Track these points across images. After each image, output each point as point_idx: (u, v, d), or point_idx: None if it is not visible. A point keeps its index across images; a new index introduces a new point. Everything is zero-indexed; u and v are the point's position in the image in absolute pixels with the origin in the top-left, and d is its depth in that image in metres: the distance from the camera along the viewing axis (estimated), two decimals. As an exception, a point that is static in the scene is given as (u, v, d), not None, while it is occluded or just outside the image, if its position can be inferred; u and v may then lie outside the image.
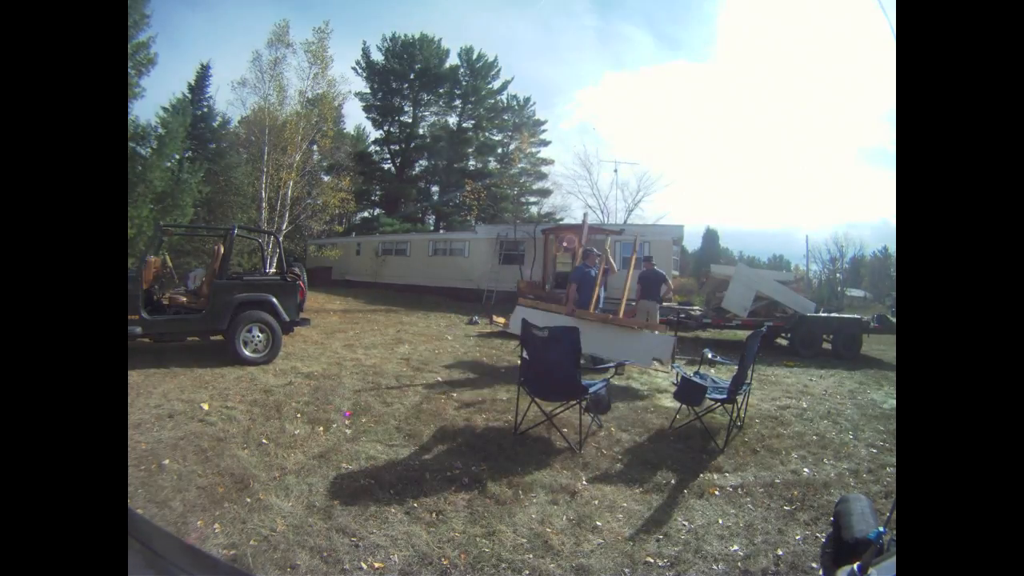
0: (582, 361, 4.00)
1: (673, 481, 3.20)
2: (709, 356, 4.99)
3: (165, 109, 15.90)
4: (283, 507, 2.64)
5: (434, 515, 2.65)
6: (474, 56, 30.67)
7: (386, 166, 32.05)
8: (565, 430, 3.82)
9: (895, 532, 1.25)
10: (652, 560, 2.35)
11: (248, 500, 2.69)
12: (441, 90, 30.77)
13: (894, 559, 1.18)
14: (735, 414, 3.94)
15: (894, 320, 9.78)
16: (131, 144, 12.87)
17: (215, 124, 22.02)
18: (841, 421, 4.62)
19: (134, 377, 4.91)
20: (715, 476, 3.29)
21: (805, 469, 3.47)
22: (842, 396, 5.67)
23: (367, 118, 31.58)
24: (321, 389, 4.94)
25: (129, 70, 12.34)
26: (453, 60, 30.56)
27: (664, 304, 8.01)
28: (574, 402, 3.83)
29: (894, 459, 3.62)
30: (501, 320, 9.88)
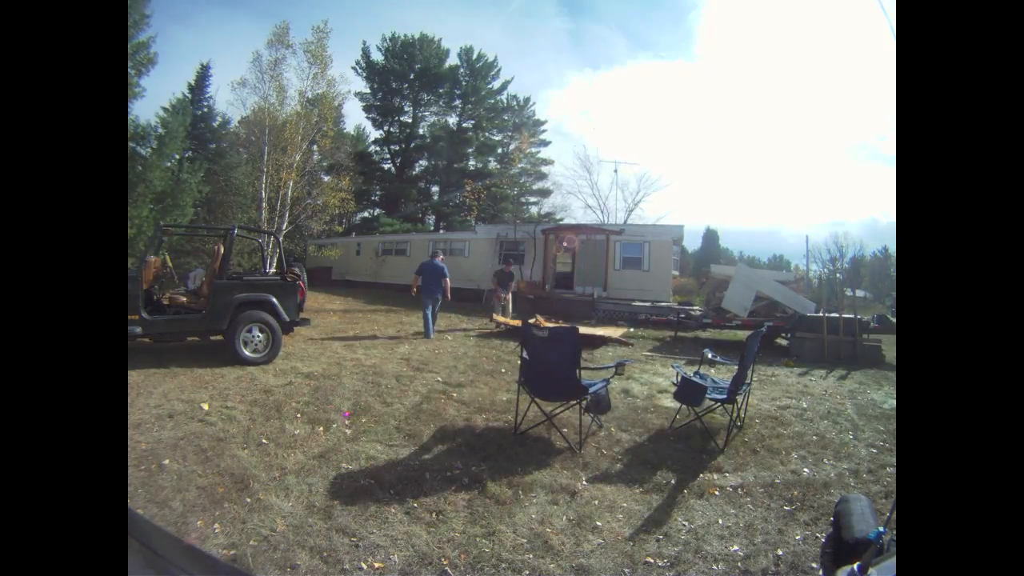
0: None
1: (673, 481, 3.20)
2: (709, 356, 4.99)
3: (165, 109, 15.92)
4: (283, 507, 2.64)
5: (434, 515, 2.65)
6: (474, 56, 30.70)
7: (386, 166, 32.09)
8: (565, 430, 3.82)
9: (895, 532, 1.25)
10: (652, 560, 2.35)
11: (248, 500, 2.69)
12: (441, 90, 30.80)
13: (894, 559, 1.18)
14: (735, 414, 3.94)
15: (894, 320, 9.78)
16: (131, 144, 12.86)
17: (215, 124, 22.05)
18: (841, 421, 4.62)
19: (134, 377, 4.91)
20: (715, 476, 3.29)
21: (805, 469, 3.47)
22: (842, 396, 5.67)
23: (367, 118, 31.67)
24: (321, 389, 4.94)
25: (129, 70, 12.34)
26: (453, 60, 30.63)
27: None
28: (574, 402, 3.83)
29: (894, 459, 3.62)
30: (502, 319, 9.88)
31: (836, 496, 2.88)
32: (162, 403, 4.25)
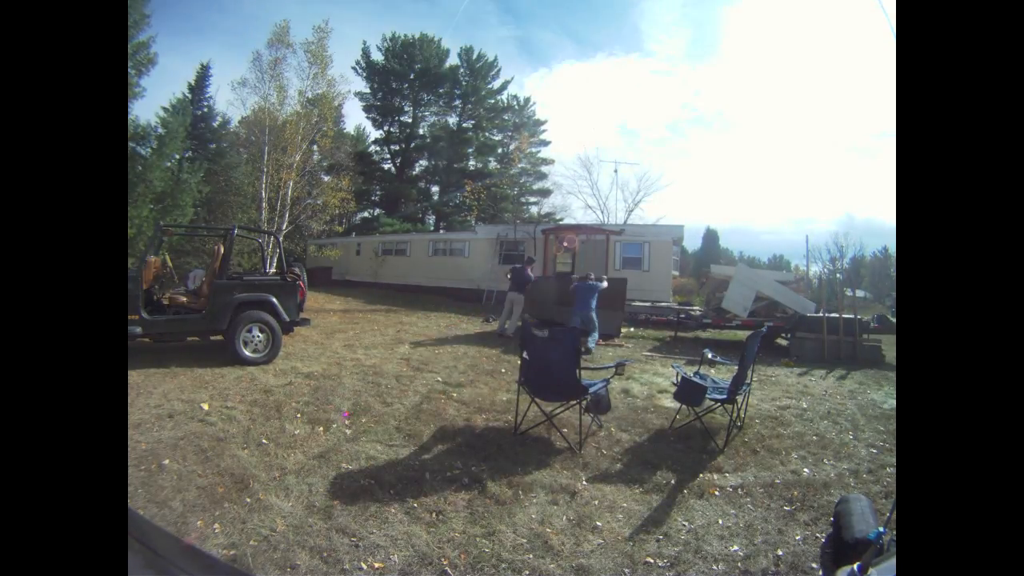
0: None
1: (673, 481, 3.20)
2: (709, 356, 4.99)
3: (165, 109, 15.94)
4: (283, 507, 2.64)
5: (434, 515, 2.65)
6: (474, 56, 30.70)
7: (386, 166, 32.08)
8: (565, 430, 3.82)
9: (895, 532, 1.25)
10: (652, 560, 2.35)
11: (248, 500, 2.69)
12: (441, 90, 30.79)
13: (894, 559, 1.19)
14: (735, 414, 3.94)
15: (894, 320, 9.78)
16: (131, 144, 12.86)
17: (215, 124, 22.06)
18: (841, 421, 4.62)
19: (134, 377, 4.91)
20: (715, 476, 3.29)
21: (805, 469, 3.47)
22: (842, 396, 5.67)
23: (367, 118, 31.65)
24: (321, 389, 4.94)
25: (129, 70, 12.34)
26: (453, 60, 30.62)
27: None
28: (574, 402, 3.83)
29: (894, 459, 3.62)
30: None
31: (836, 496, 2.88)
32: (162, 403, 4.25)
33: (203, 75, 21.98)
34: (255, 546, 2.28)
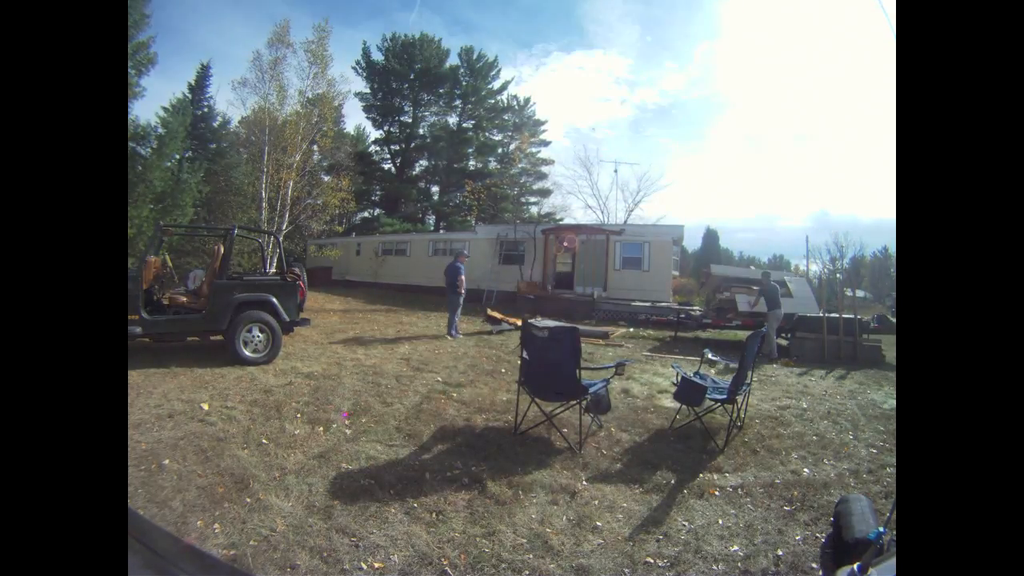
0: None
1: (673, 481, 3.20)
2: (709, 356, 4.99)
3: (165, 109, 15.95)
4: (283, 507, 2.64)
5: (434, 515, 2.65)
6: (474, 56, 30.71)
7: (386, 166, 32.11)
8: (565, 430, 3.82)
9: (895, 532, 1.25)
10: (652, 560, 2.35)
11: (248, 500, 2.69)
12: (441, 90, 30.80)
13: (894, 559, 1.18)
14: (735, 414, 3.94)
15: (894, 320, 9.78)
16: (131, 144, 12.88)
17: (215, 124, 22.08)
18: (841, 421, 4.62)
19: (134, 377, 4.91)
20: (715, 476, 3.29)
21: (805, 469, 3.47)
22: (842, 396, 5.67)
23: (367, 118, 31.68)
24: (321, 389, 4.94)
25: (129, 70, 12.34)
26: (453, 60, 30.64)
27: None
28: (574, 402, 3.83)
29: (894, 459, 3.62)
30: (497, 314, 9.96)
31: (836, 496, 2.88)
32: (162, 403, 4.25)
33: (203, 75, 22.01)
34: (255, 546, 2.28)
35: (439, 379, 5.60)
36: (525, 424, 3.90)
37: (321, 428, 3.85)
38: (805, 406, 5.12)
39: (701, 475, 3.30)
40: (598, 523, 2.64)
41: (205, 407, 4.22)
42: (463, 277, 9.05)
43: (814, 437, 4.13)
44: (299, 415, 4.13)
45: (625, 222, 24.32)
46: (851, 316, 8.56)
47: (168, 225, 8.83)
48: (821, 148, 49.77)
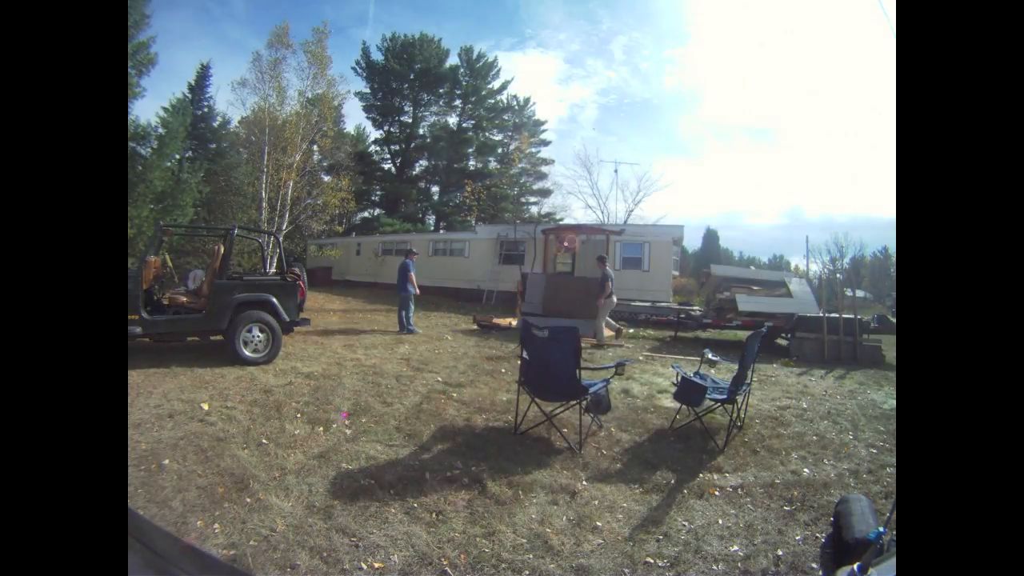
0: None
1: (673, 481, 3.19)
2: (709, 356, 4.99)
3: (165, 109, 15.94)
4: (283, 507, 2.64)
5: (434, 515, 2.65)
6: (474, 56, 30.71)
7: (386, 166, 32.11)
8: (565, 430, 3.82)
9: (895, 532, 1.25)
10: (652, 560, 2.35)
11: (248, 500, 2.68)
12: (441, 90, 30.80)
13: (894, 559, 1.18)
14: (735, 414, 3.94)
15: (894, 320, 9.77)
16: (131, 144, 12.88)
17: (215, 124, 22.09)
18: (841, 421, 4.62)
19: (134, 377, 4.91)
20: (715, 476, 3.29)
21: (805, 469, 3.47)
22: (842, 396, 5.67)
23: (367, 118, 31.69)
24: (321, 389, 4.94)
25: (129, 70, 12.34)
26: (453, 60, 30.63)
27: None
28: (574, 402, 3.83)
29: (894, 459, 3.62)
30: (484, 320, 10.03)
31: (836, 496, 2.88)
32: (162, 403, 4.25)
33: (203, 75, 22.02)
34: (255, 546, 2.28)
35: (439, 379, 5.60)
36: (525, 424, 3.90)
37: (321, 428, 3.85)
38: (805, 406, 5.11)
39: (701, 475, 3.30)
40: (598, 523, 2.64)
41: (205, 407, 4.22)
42: (412, 274, 9.35)
43: (814, 437, 4.13)
44: (299, 415, 4.13)
45: (625, 222, 24.32)
46: (851, 316, 8.55)
47: (168, 225, 8.82)
48: (791, 143, 48.89)
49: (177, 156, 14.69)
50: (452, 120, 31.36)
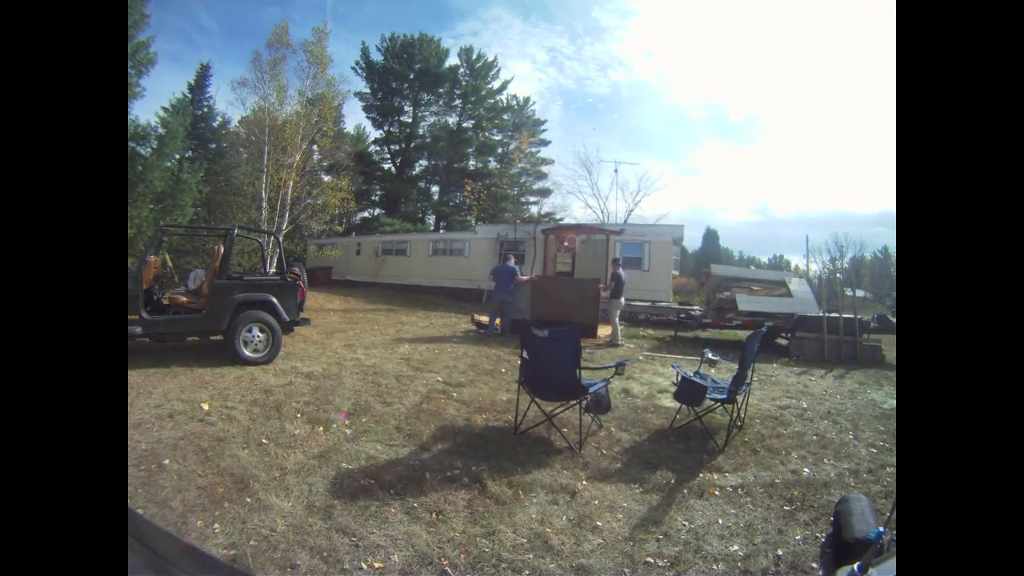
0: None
1: (673, 481, 3.20)
2: (709, 356, 4.99)
3: (165, 109, 15.95)
4: (283, 507, 2.64)
5: (434, 515, 2.65)
6: (474, 56, 30.70)
7: (386, 166, 32.09)
8: (565, 430, 3.82)
9: (895, 532, 1.25)
10: (652, 560, 2.35)
11: (248, 500, 2.68)
12: (441, 90, 30.79)
13: (894, 559, 1.18)
14: (735, 414, 3.94)
15: (894, 320, 9.77)
16: (131, 144, 12.87)
17: (215, 124, 22.10)
18: (841, 421, 4.62)
19: (134, 377, 4.91)
20: (715, 476, 3.29)
21: (805, 469, 3.47)
22: (842, 396, 5.67)
23: (367, 118, 31.67)
24: (321, 389, 4.94)
25: (129, 70, 12.34)
26: (453, 60, 30.62)
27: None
28: (574, 402, 3.83)
29: (894, 459, 3.62)
30: (484, 318, 9.99)
31: (836, 496, 2.88)
32: (162, 403, 4.25)
33: (203, 75, 22.02)
34: (255, 546, 2.28)
35: (439, 379, 5.60)
36: (525, 424, 3.90)
37: (321, 428, 3.85)
38: (805, 406, 5.11)
39: (701, 475, 3.30)
40: (598, 523, 2.64)
41: (205, 407, 4.22)
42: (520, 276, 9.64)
43: (814, 437, 4.13)
44: (299, 415, 4.13)
45: (625, 222, 24.31)
46: (851, 316, 8.55)
47: (168, 225, 8.82)
48: (759, 137, 48.65)
49: (177, 156, 14.68)
50: (452, 120, 31.36)
